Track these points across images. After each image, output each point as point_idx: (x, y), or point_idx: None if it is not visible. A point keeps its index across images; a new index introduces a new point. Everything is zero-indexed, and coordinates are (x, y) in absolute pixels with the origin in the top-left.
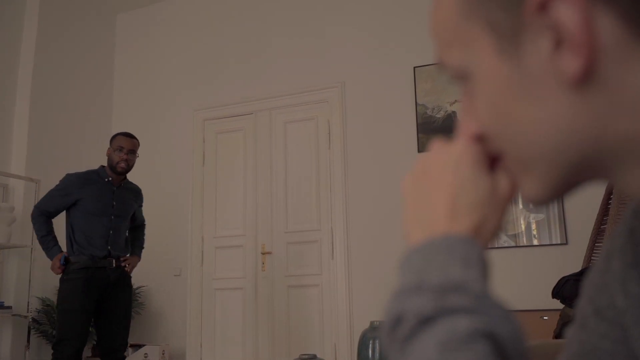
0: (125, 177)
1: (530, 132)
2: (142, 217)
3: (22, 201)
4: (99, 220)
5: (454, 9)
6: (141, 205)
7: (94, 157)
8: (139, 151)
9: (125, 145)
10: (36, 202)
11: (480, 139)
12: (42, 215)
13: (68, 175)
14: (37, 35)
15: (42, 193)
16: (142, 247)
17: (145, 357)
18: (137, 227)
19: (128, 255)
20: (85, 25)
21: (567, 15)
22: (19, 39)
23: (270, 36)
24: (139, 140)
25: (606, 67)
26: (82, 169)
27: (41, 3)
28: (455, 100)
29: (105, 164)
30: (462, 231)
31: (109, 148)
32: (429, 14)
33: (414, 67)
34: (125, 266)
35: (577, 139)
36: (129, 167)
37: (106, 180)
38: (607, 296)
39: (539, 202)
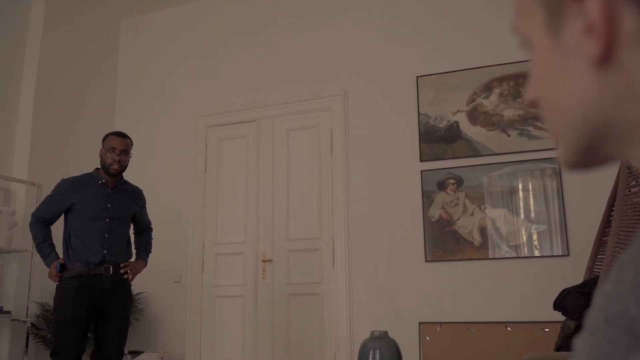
0: (122, 178)
1: (560, 102)
2: (147, 219)
3: (24, 205)
4: (93, 224)
5: None
6: (144, 207)
7: (96, 163)
8: (140, 154)
9: (118, 146)
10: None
11: (535, 104)
12: (38, 222)
13: (62, 181)
14: (41, 40)
15: (44, 197)
16: (149, 252)
17: None
18: (142, 230)
19: (131, 260)
20: (89, 30)
21: (593, 6)
22: (23, 44)
23: (273, 44)
24: (141, 144)
25: (623, 54)
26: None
27: (46, 9)
28: (458, 110)
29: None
30: None
31: (101, 149)
32: None
33: (417, 77)
34: (124, 274)
35: (594, 114)
36: (122, 168)
37: (100, 182)
38: (618, 305)
39: (569, 166)
